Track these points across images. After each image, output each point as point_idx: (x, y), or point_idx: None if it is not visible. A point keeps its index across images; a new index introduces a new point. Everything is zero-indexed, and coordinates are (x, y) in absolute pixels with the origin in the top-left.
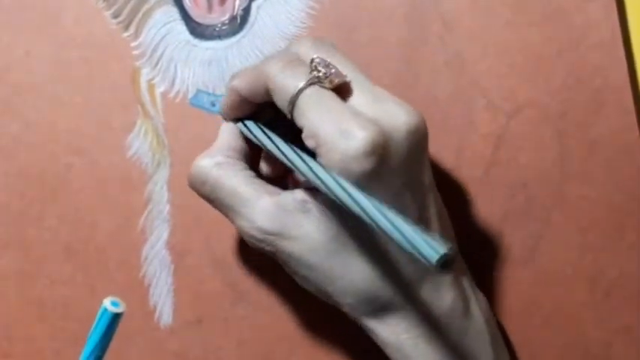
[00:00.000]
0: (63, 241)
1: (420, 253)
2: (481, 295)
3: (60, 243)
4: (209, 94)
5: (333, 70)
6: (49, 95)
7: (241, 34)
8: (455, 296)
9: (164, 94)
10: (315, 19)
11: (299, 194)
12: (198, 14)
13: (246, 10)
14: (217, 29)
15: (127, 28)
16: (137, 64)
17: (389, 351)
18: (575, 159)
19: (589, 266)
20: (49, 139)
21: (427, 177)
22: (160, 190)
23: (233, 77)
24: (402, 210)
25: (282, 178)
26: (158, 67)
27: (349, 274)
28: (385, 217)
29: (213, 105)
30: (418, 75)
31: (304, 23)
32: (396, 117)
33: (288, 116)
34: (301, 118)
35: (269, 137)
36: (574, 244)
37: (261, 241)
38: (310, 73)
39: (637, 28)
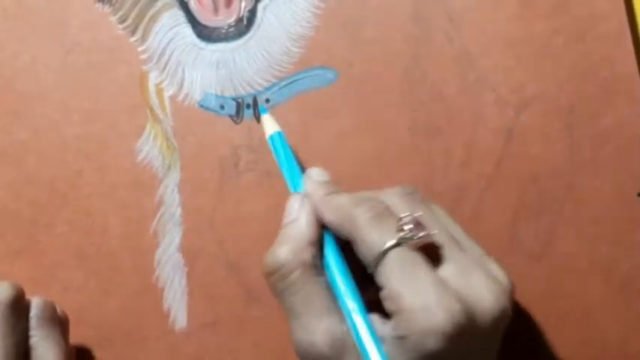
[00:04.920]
0: (75, 247)
1: None
2: None
3: (72, 249)
4: (217, 96)
5: (421, 234)
6: (57, 102)
7: (248, 35)
8: None
9: (173, 98)
10: (322, 18)
11: None
12: (204, 17)
13: (252, 12)
14: (224, 31)
15: (133, 32)
16: (145, 68)
17: None
18: (585, 150)
19: (603, 258)
20: (58, 145)
21: (496, 346)
22: (171, 194)
23: (324, 203)
24: None
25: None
26: (166, 70)
27: None
28: None
29: (222, 107)
30: (426, 71)
31: (310, 23)
32: (484, 299)
33: (369, 271)
34: (384, 279)
35: (337, 263)
36: (587, 236)
37: (312, 358)
38: (398, 231)
39: None
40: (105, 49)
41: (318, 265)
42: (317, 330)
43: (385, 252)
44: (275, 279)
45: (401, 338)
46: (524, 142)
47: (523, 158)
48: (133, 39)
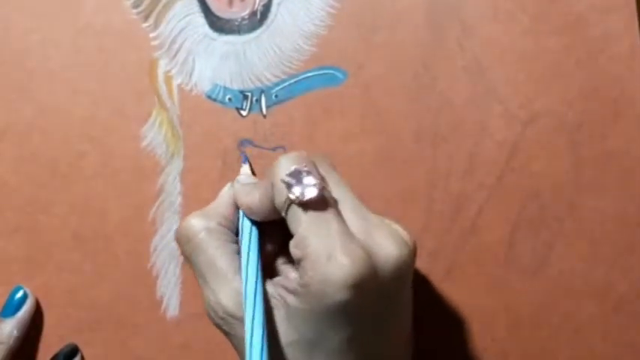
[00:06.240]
0: (72, 229)
1: None
2: None
3: (69, 230)
4: (226, 88)
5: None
6: (65, 82)
7: (260, 29)
8: None
9: (181, 87)
10: (335, 18)
11: (270, 288)
12: (218, 8)
13: (267, 6)
14: (237, 24)
15: (146, 18)
16: (155, 54)
17: None
18: (589, 170)
19: (599, 279)
20: (62, 125)
21: (405, 302)
22: (172, 182)
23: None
24: (361, 343)
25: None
26: (176, 59)
27: None
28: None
29: (229, 99)
30: (435, 78)
31: (324, 22)
32: (386, 249)
33: (282, 214)
34: (294, 225)
35: (249, 243)
36: (585, 256)
37: (220, 318)
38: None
39: None
40: (116, 33)
41: (226, 233)
42: (222, 291)
43: (294, 201)
44: (182, 242)
45: (305, 286)
46: (529, 157)
47: (526, 173)
48: (145, 25)
